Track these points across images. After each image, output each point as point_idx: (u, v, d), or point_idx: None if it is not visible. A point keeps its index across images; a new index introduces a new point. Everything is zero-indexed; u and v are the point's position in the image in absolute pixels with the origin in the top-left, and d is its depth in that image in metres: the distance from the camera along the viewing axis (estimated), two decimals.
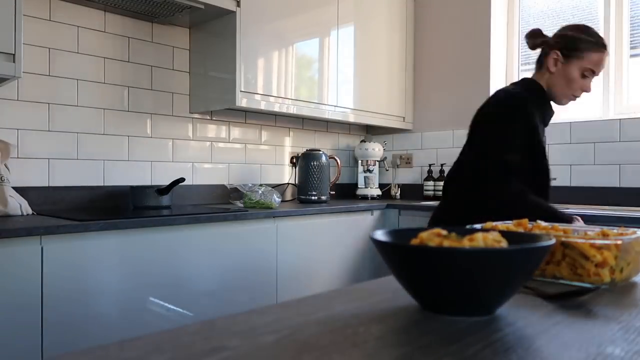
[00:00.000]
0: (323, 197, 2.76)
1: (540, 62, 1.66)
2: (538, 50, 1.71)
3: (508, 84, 1.75)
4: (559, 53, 1.58)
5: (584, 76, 1.59)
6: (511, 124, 1.51)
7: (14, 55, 1.68)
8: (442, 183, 3.08)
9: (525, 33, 1.68)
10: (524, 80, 1.68)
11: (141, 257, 1.76)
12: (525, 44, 1.71)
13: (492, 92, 2.99)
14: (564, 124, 2.77)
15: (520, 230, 0.89)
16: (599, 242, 0.74)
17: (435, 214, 1.77)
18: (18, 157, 2.03)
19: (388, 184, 3.39)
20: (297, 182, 2.83)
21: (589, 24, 1.67)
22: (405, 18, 3.30)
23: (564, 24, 1.69)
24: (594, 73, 1.59)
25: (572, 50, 1.57)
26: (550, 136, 2.83)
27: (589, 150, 2.67)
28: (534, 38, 1.65)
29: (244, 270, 2.08)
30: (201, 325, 0.56)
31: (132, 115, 2.39)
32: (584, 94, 1.66)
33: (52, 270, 1.54)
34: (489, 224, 0.90)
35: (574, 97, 1.65)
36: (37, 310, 1.51)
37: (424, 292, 0.61)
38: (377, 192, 3.22)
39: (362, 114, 3.04)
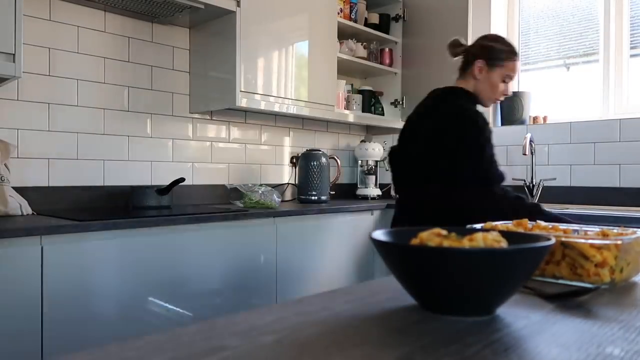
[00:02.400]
0: (323, 197, 2.76)
1: (464, 70, 1.81)
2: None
3: (439, 91, 1.83)
4: (484, 62, 1.75)
5: (503, 82, 1.78)
6: (485, 138, 1.66)
7: (14, 55, 1.68)
8: None
9: (448, 43, 1.84)
10: (458, 90, 1.78)
11: (141, 257, 1.76)
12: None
13: None
14: (564, 124, 2.77)
15: (520, 230, 0.89)
16: (598, 242, 0.74)
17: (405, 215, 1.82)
18: (18, 157, 2.03)
19: (388, 184, 3.39)
20: (297, 182, 2.83)
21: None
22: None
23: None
24: (511, 78, 1.79)
25: (495, 59, 1.75)
26: (550, 136, 2.83)
27: (589, 150, 2.67)
28: (455, 47, 1.82)
29: (244, 270, 2.08)
30: (201, 325, 0.56)
31: (132, 115, 2.39)
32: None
33: (52, 270, 1.54)
34: (489, 224, 0.90)
35: (497, 100, 1.84)
36: (37, 310, 1.51)
37: (424, 292, 0.61)
38: (377, 192, 3.22)
39: (362, 114, 3.04)
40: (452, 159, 1.64)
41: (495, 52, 1.75)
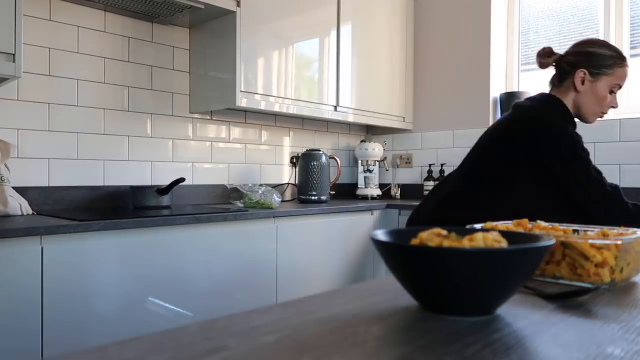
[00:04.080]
0: (323, 197, 2.76)
1: (561, 80, 1.59)
2: (536, 51, 1.66)
3: (529, 100, 1.61)
4: (585, 72, 1.53)
5: (611, 92, 1.56)
6: (583, 160, 1.48)
7: (14, 55, 1.68)
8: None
9: (538, 52, 1.61)
10: (551, 99, 1.57)
11: (141, 257, 1.76)
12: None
13: (492, 92, 3.02)
14: None
15: (520, 230, 0.89)
16: (599, 242, 0.74)
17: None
18: (18, 157, 2.03)
19: (388, 184, 3.39)
20: (297, 182, 2.83)
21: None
22: (405, 18, 3.30)
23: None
24: (620, 87, 1.56)
25: (600, 67, 1.52)
26: None
27: (589, 150, 2.67)
28: (546, 57, 1.59)
29: (244, 270, 2.08)
30: (201, 325, 0.56)
31: (132, 115, 2.39)
32: (611, 110, 1.62)
33: (52, 270, 1.54)
34: (489, 224, 0.90)
35: (602, 114, 1.60)
36: (37, 310, 1.51)
37: (424, 292, 0.61)
38: (377, 192, 3.22)
39: (362, 114, 3.04)
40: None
41: (600, 59, 1.52)
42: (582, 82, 1.54)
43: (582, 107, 1.57)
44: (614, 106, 1.60)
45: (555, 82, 1.61)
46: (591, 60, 1.53)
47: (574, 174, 1.45)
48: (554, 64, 1.60)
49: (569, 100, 1.58)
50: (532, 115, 1.53)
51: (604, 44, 1.57)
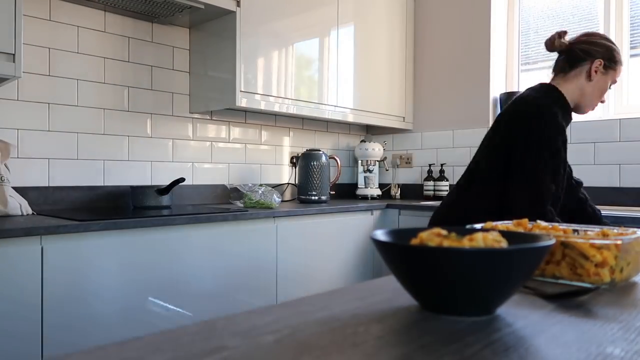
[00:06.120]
0: (323, 197, 2.76)
1: (572, 66, 1.59)
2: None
3: (528, 90, 1.62)
4: (602, 62, 1.56)
5: (609, 87, 1.62)
6: (557, 153, 1.46)
7: (14, 55, 1.68)
8: (442, 183, 3.09)
9: (556, 32, 1.62)
10: (550, 88, 1.58)
11: (141, 257, 1.76)
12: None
13: (492, 92, 3.02)
14: None
15: (520, 230, 0.89)
16: (598, 242, 0.74)
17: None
18: (18, 157, 2.03)
19: (388, 184, 3.39)
20: (297, 182, 2.83)
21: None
22: (405, 18, 3.30)
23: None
24: (614, 83, 1.63)
25: (612, 61, 1.57)
26: None
27: (589, 150, 2.67)
28: (559, 39, 1.59)
29: (244, 270, 2.08)
30: (201, 325, 0.56)
31: (132, 115, 2.39)
32: (611, 110, 1.63)
33: (52, 270, 1.54)
34: (489, 224, 0.90)
35: (595, 107, 1.65)
36: (37, 310, 1.51)
37: (424, 292, 0.61)
38: (377, 192, 3.22)
39: (362, 114, 3.04)
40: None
41: (615, 54, 1.57)
42: (596, 73, 1.57)
43: (586, 96, 1.59)
44: (604, 101, 1.65)
45: (564, 67, 1.60)
46: (607, 53, 1.56)
47: (529, 159, 1.44)
48: (564, 48, 1.61)
49: (573, 88, 1.58)
50: (525, 99, 1.55)
51: (611, 40, 1.61)
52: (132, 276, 1.73)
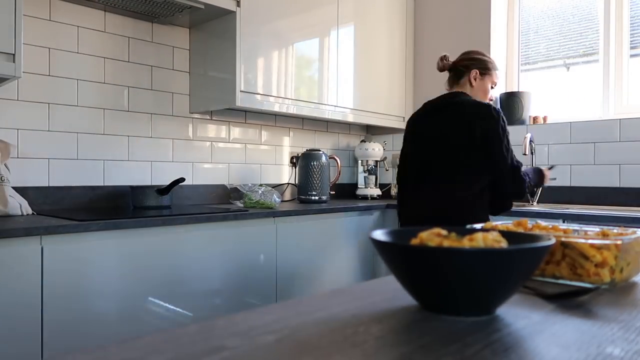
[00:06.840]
0: (323, 197, 2.76)
1: (457, 80, 2.06)
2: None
3: (459, 98, 2.00)
4: (477, 71, 2.02)
5: (491, 88, 2.08)
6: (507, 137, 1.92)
7: (14, 55, 1.68)
8: None
9: (439, 56, 2.07)
10: (463, 93, 2.00)
11: (141, 257, 1.76)
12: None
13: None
14: (564, 124, 2.77)
15: (520, 230, 0.89)
16: (598, 242, 0.74)
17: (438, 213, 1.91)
18: (18, 157, 2.03)
19: (388, 184, 3.39)
20: (297, 182, 2.83)
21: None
22: (405, 18, 3.30)
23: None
24: (495, 85, 2.10)
25: (485, 69, 2.04)
26: (550, 136, 2.83)
27: (589, 150, 2.67)
28: (444, 61, 2.06)
29: (244, 270, 2.08)
30: (201, 325, 0.56)
31: (132, 115, 2.39)
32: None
33: (52, 270, 1.54)
34: (489, 224, 0.90)
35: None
36: (37, 310, 1.51)
37: (424, 292, 0.61)
38: (377, 192, 3.22)
39: (362, 114, 3.04)
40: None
41: (485, 63, 2.05)
42: (475, 79, 2.03)
43: (475, 97, 2.01)
44: (492, 99, 2.11)
45: (455, 81, 2.06)
46: (480, 64, 2.04)
47: (503, 143, 1.87)
48: (451, 67, 2.06)
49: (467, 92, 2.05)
50: (479, 103, 1.94)
51: (485, 54, 2.09)
52: (132, 276, 1.73)
